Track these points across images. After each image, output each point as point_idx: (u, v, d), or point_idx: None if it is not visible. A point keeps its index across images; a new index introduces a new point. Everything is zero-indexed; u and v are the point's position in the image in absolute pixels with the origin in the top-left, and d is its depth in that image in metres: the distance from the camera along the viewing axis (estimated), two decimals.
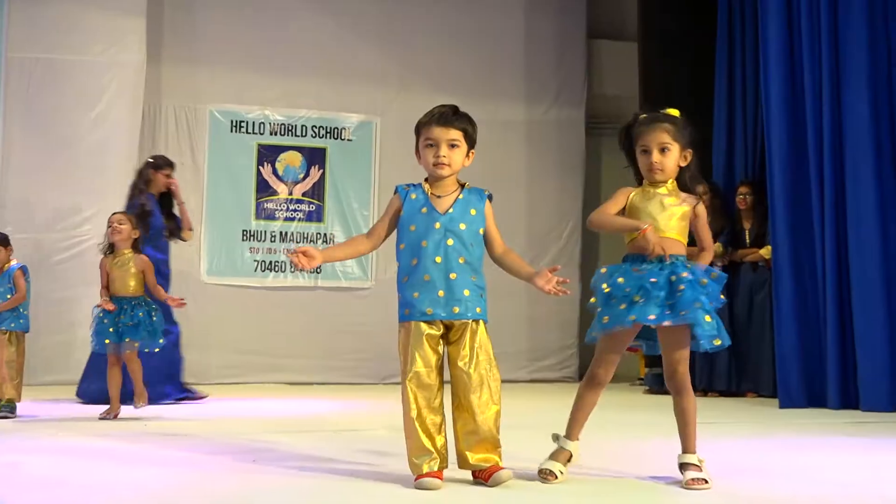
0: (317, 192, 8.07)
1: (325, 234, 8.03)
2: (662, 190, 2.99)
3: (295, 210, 8.02)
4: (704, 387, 6.57)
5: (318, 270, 7.97)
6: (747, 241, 6.75)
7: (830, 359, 5.63)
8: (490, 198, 2.99)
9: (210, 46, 7.88)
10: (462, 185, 2.98)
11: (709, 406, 5.70)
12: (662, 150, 2.97)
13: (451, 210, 2.90)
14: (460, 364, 2.84)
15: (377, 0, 8.27)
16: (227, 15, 7.93)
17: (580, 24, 8.80)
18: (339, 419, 5.06)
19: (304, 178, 8.07)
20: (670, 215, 2.96)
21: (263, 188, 7.97)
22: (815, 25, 5.82)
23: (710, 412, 5.17)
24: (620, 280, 2.86)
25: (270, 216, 7.95)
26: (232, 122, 7.94)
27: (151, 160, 6.15)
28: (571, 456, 2.95)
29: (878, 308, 5.49)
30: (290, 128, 8.09)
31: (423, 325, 2.84)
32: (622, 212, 3.02)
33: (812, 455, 3.69)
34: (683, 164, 3.02)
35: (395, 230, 2.98)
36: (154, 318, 4.90)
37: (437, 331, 2.86)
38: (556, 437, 3.04)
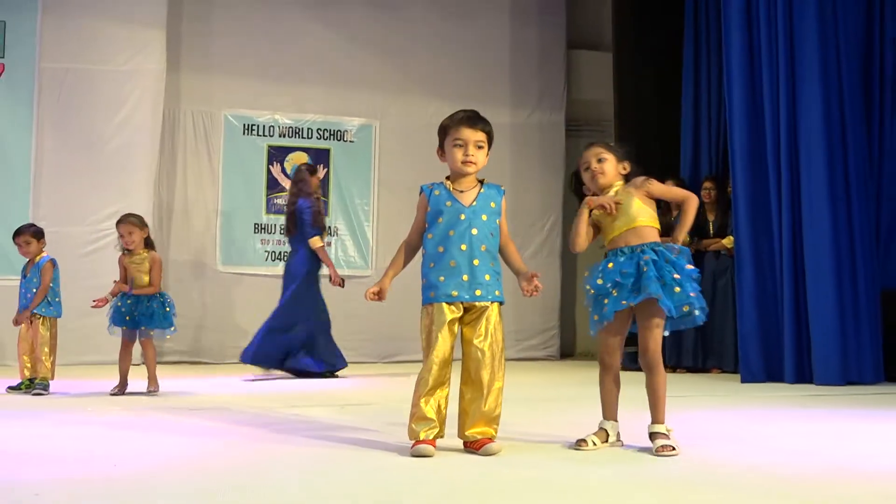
0: (321, 188, 8.02)
1: (329, 227, 8.00)
2: (610, 194, 3.03)
3: None
4: (673, 364, 6.58)
5: None
6: (711, 231, 6.76)
7: (787, 338, 5.64)
8: (504, 193, 3.02)
9: (225, 56, 7.84)
10: (481, 182, 3.00)
11: (677, 381, 5.72)
12: (599, 160, 3.04)
13: (474, 203, 2.92)
14: (476, 342, 2.85)
15: (377, 14, 8.23)
16: (240, 27, 7.88)
17: (560, 36, 8.78)
18: (344, 394, 5.06)
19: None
20: (630, 203, 2.98)
21: (273, 185, 7.94)
22: (773, 33, 5.82)
23: (679, 386, 5.18)
24: (599, 281, 2.92)
25: (279, 211, 7.90)
26: (244, 125, 7.91)
27: (306, 166, 6.43)
28: (608, 434, 2.94)
29: (829, 292, 5.51)
30: (297, 130, 8.05)
31: (446, 308, 2.85)
32: (594, 228, 3.06)
33: (771, 425, 3.70)
34: (624, 172, 3.07)
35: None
36: (168, 309, 4.95)
37: (456, 313, 2.86)
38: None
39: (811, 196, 5.61)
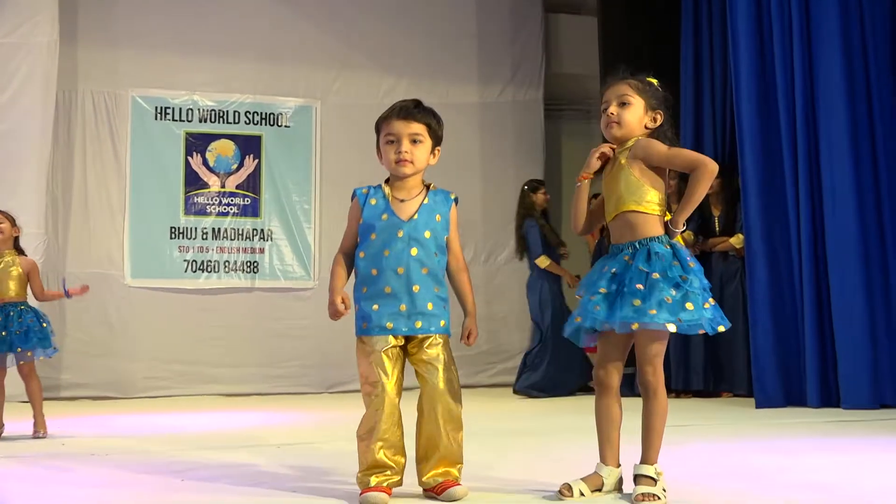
0: (252, 184, 8.00)
1: (262, 231, 7.96)
2: (623, 155, 2.87)
3: (228, 204, 7.94)
4: (680, 388, 6.62)
5: (256, 269, 7.91)
6: (717, 228, 6.82)
7: (809, 353, 5.70)
8: (456, 201, 3.00)
9: (131, 25, 7.77)
10: (427, 187, 2.98)
11: (682, 408, 5.76)
12: (622, 103, 2.89)
13: (415, 217, 2.90)
14: (426, 375, 2.86)
15: None
16: None
17: None
18: (280, 433, 5.02)
19: (238, 169, 8.00)
20: (619, 177, 2.86)
21: (193, 181, 7.89)
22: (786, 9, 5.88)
23: (684, 414, 5.22)
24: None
25: (201, 211, 7.86)
26: (157, 108, 7.85)
27: (527, 185, 7.40)
28: (604, 482, 2.82)
29: (858, 298, 5.56)
30: (221, 114, 8.01)
31: (382, 339, 2.84)
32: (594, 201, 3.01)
33: (791, 456, 3.73)
34: (652, 125, 2.90)
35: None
36: (44, 325, 4.78)
37: (396, 341, 2.86)
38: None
39: (833, 186, 5.68)
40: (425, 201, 2.93)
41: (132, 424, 5.53)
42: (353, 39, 8.27)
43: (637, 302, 2.72)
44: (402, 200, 2.93)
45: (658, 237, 2.86)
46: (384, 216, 2.90)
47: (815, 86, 5.79)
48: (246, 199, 7.99)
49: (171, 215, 7.82)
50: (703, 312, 2.76)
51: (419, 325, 2.85)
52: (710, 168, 2.83)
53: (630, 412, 2.90)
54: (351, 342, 8.41)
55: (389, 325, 2.84)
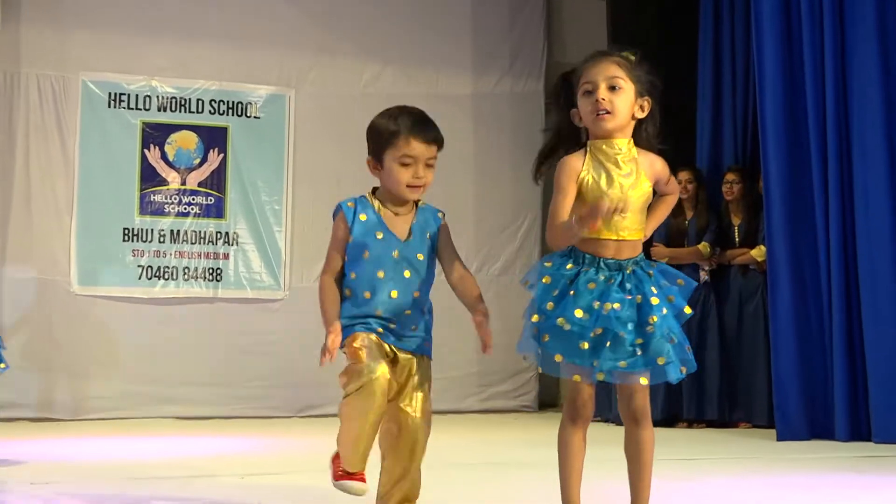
0: (216, 181, 7.98)
1: (226, 234, 7.94)
2: (616, 148, 2.82)
3: (189, 204, 7.92)
4: (692, 417, 6.60)
5: (219, 277, 7.89)
6: (736, 239, 6.83)
7: (837, 380, 5.71)
8: (442, 221, 3.05)
9: (83, 2, 7.75)
10: (416, 203, 3.02)
11: (694, 440, 5.75)
12: (612, 88, 2.80)
13: (410, 238, 2.96)
14: (402, 404, 2.91)
15: None
16: None
17: None
18: (243, 462, 5.01)
19: (201, 165, 7.98)
20: (633, 185, 2.81)
21: (149, 177, 7.86)
22: None
23: (696, 447, 5.22)
24: (579, 313, 2.71)
25: (158, 211, 7.83)
26: (110, 94, 7.82)
27: None
28: None
29: (893, 319, 5.57)
30: (182, 102, 7.99)
31: (376, 337, 2.90)
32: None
33: (815, 496, 3.73)
34: (641, 115, 2.86)
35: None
36: None
37: (387, 349, 2.92)
38: None
39: (867, 192, 5.69)
40: (415, 220, 2.99)
41: (76, 450, 5.49)
42: (333, 21, 8.25)
43: (673, 339, 2.75)
44: (396, 214, 2.98)
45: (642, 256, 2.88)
46: (378, 234, 2.95)
47: (847, 78, 5.80)
48: (209, 199, 7.97)
49: (124, 215, 7.79)
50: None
51: (405, 342, 2.94)
52: (675, 198, 3.03)
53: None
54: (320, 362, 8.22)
55: (380, 330, 2.91)
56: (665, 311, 2.75)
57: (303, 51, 8.21)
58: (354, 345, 2.89)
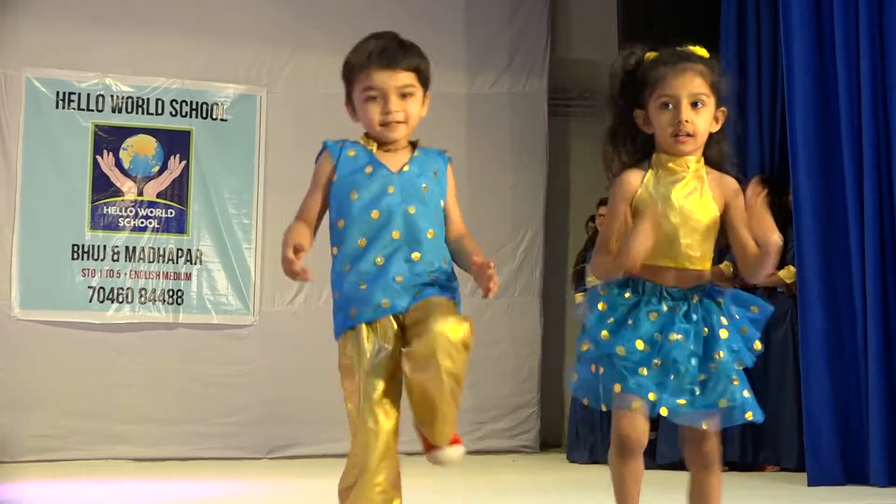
0: (177, 191, 8.00)
1: (188, 251, 7.95)
2: (684, 165, 2.88)
3: (147, 217, 7.93)
4: None
5: (181, 300, 7.89)
6: None
7: (874, 419, 5.72)
8: (450, 161, 3.01)
9: None
10: (414, 144, 2.98)
11: None
12: (695, 105, 2.86)
13: (406, 168, 2.90)
14: (422, 324, 2.75)
15: None
16: None
17: None
18: None
19: (160, 173, 7.99)
20: (695, 207, 2.86)
21: (102, 186, 7.88)
22: None
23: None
24: (640, 345, 2.78)
25: (112, 225, 7.84)
26: (58, 93, 7.85)
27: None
28: None
29: None
30: (140, 103, 8.01)
31: (370, 330, 2.81)
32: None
33: None
34: (715, 127, 2.92)
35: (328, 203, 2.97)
36: None
37: (392, 328, 2.81)
38: None
39: None
40: (415, 154, 2.94)
41: (12, 497, 5.46)
42: (311, 12, 8.30)
43: (735, 380, 2.81)
44: (387, 151, 2.92)
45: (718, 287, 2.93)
46: (368, 168, 2.89)
47: (886, 81, 5.83)
48: (169, 211, 7.99)
49: (73, 230, 7.80)
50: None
51: (421, 297, 2.81)
52: (775, 253, 2.82)
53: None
54: (299, 394, 8.38)
55: (385, 302, 2.80)
56: (735, 346, 2.81)
57: (276, 45, 8.25)
58: (342, 360, 2.84)
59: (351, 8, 8.32)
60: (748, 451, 6.72)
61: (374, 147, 2.92)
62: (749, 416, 2.83)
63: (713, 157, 2.94)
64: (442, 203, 2.93)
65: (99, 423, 7.59)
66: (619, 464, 2.86)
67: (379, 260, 2.82)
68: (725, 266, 6.81)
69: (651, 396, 2.76)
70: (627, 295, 2.84)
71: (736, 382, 2.81)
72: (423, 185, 2.89)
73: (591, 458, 7.41)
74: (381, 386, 2.78)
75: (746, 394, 2.83)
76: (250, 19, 8.18)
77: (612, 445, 2.88)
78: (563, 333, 8.64)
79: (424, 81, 2.96)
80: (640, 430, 2.83)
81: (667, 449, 6.39)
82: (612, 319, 2.82)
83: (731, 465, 6.70)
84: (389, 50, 2.91)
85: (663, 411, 2.78)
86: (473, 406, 8.32)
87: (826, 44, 6.09)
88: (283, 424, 7.72)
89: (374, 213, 2.84)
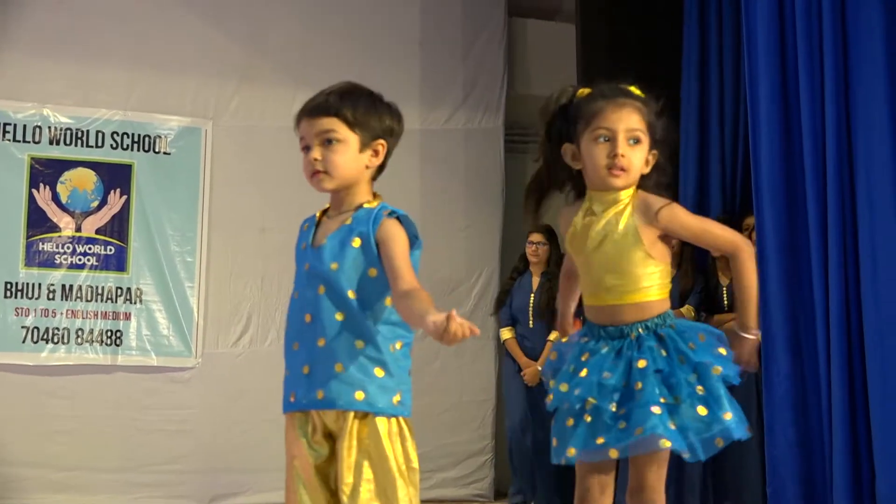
0: (117, 227, 7.94)
1: (128, 290, 7.89)
2: (612, 199, 2.94)
3: (85, 254, 7.87)
4: None
5: (119, 341, 7.82)
6: (725, 301, 6.92)
7: (838, 465, 5.75)
8: (399, 217, 2.89)
9: None
10: (362, 204, 2.90)
11: None
12: (631, 141, 2.92)
13: (323, 242, 2.84)
14: (343, 487, 2.74)
15: None
16: None
17: None
18: None
19: (100, 208, 7.94)
20: (628, 249, 2.92)
21: (38, 222, 7.81)
22: (814, 13, 6.02)
23: None
24: (565, 388, 2.85)
25: (48, 262, 7.77)
26: None
27: None
28: None
29: None
30: (79, 135, 7.96)
31: (301, 423, 2.80)
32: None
33: None
34: (645, 170, 2.99)
35: None
36: None
37: (318, 430, 2.79)
38: None
39: (874, 249, 5.77)
40: (347, 221, 2.86)
41: None
42: (259, 44, 8.30)
43: (656, 409, 2.83)
44: (328, 217, 2.92)
45: (670, 316, 2.98)
46: (303, 244, 2.91)
47: (851, 122, 5.87)
48: (108, 248, 7.93)
49: (6, 267, 7.72)
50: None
51: (321, 395, 2.75)
52: (750, 251, 2.95)
53: None
54: (243, 440, 8.33)
55: (293, 396, 2.80)
56: (653, 375, 2.82)
57: (223, 77, 8.23)
58: (286, 457, 2.85)
59: (299, 43, 8.35)
60: (709, 496, 6.75)
61: (318, 216, 2.93)
62: (720, 442, 2.86)
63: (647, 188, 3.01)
64: (372, 273, 2.81)
65: (35, 471, 7.48)
66: None
67: (295, 345, 2.83)
68: (686, 309, 6.86)
69: (570, 452, 2.78)
70: (583, 339, 2.90)
71: (657, 412, 2.80)
72: (333, 263, 2.79)
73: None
74: (307, 484, 2.81)
75: (703, 411, 2.85)
76: (196, 49, 8.17)
77: (576, 497, 2.96)
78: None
79: (361, 129, 2.89)
80: (599, 481, 2.91)
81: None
82: (560, 368, 2.88)
83: None
84: (318, 98, 2.91)
85: (612, 454, 2.83)
86: (424, 454, 8.19)
87: (790, 80, 6.16)
88: (227, 472, 7.65)
89: (295, 294, 2.87)
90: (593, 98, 2.97)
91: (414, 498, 2.73)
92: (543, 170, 3.05)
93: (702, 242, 3.01)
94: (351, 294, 2.78)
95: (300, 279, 2.85)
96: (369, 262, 2.82)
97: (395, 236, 2.83)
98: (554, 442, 2.87)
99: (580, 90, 3.02)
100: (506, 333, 7.72)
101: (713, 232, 2.99)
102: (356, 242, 2.81)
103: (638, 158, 2.92)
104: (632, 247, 2.91)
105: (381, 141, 2.96)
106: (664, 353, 2.86)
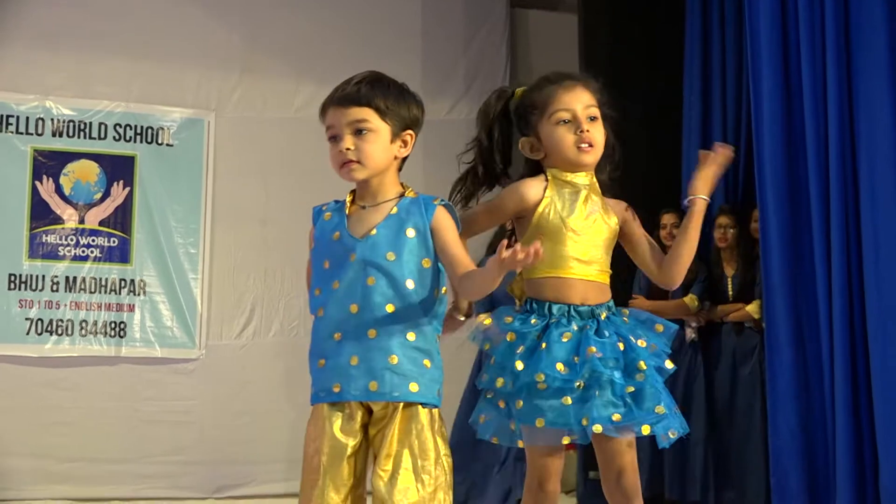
0: (120, 219, 7.95)
1: (132, 281, 7.90)
2: (582, 180, 3.00)
3: (88, 246, 7.88)
4: (676, 497, 6.65)
5: (123, 333, 7.83)
6: (730, 292, 6.92)
7: (841, 456, 5.75)
8: (448, 208, 2.92)
9: None
10: (402, 193, 2.92)
11: None
12: (592, 119, 2.99)
13: (374, 232, 2.83)
14: (380, 473, 2.73)
15: None
16: None
17: None
18: None
19: (103, 200, 7.95)
20: (603, 229, 2.99)
21: (41, 214, 7.82)
22: (816, 6, 6.02)
23: None
24: (560, 367, 2.80)
25: (51, 254, 7.79)
26: None
27: None
28: None
29: None
30: (82, 127, 7.97)
31: (331, 411, 2.77)
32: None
33: None
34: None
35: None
36: None
37: (355, 419, 2.78)
38: None
39: (876, 237, 5.77)
40: (393, 211, 2.87)
41: None
42: (262, 36, 8.30)
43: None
44: (364, 207, 2.88)
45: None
46: (336, 234, 2.85)
47: (854, 113, 5.86)
48: (112, 240, 7.94)
49: (10, 259, 7.73)
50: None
51: (375, 386, 2.75)
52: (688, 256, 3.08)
53: None
54: (246, 431, 8.36)
55: (336, 387, 2.77)
56: (649, 355, 2.87)
57: (225, 68, 8.23)
58: (307, 449, 2.80)
59: (302, 34, 8.34)
60: (711, 491, 6.72)
61: (349, 206, 2.89)
62: (672, 434, 2.89)
63: (602, 178, 3.10)
64: (425, 263, 2.83)
65: (37, 462, 7.50)
66: (539, 496, 2.94)
67: (337, 335, 2.78)
68: (690, 299, 6.85)
69: (584, 422, 2.78)
70: (534, 321, 2.89)
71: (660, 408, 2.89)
72: (389, 253, 2.80)
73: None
74: (328, 466, 2.76)
75: (675, 410, 2.91)
76: (198, 41, 8.17)
77: (531, 481, 2.92)
78: None
79: (394, 119, 2.89)
80: (559, 463, 2.95)
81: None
82: (522, 348, 2.86)
83: None
84: (346, 87, 2.89)
85: (597, 428, 2.81)
86: None
87: (793, 73, 6.15)
88: (230, 463, 7.66)
89: (335, 284, 2.81)
90: (540, 87, 3.05)
91: (449, 486, 2.73)
92: (481, 171, 3.10)
93: (636, 253, 3.12)
94: (410, 284, 2.80)
95: (339, 269, 2.80)
96: (425, 253, 2.85)
97: (450, 225, 2.89)
98: (539, 422, 2.82)
99: (517, 89, 3.09)
100: (486, 319, 7.66)
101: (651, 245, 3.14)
102: (410, 233, 2.84)
103: (599, 134, 3.00)
104: (614, 229, 3.00)
105: (410, 131, 2.97)
106: (639, 334, 2.93)
